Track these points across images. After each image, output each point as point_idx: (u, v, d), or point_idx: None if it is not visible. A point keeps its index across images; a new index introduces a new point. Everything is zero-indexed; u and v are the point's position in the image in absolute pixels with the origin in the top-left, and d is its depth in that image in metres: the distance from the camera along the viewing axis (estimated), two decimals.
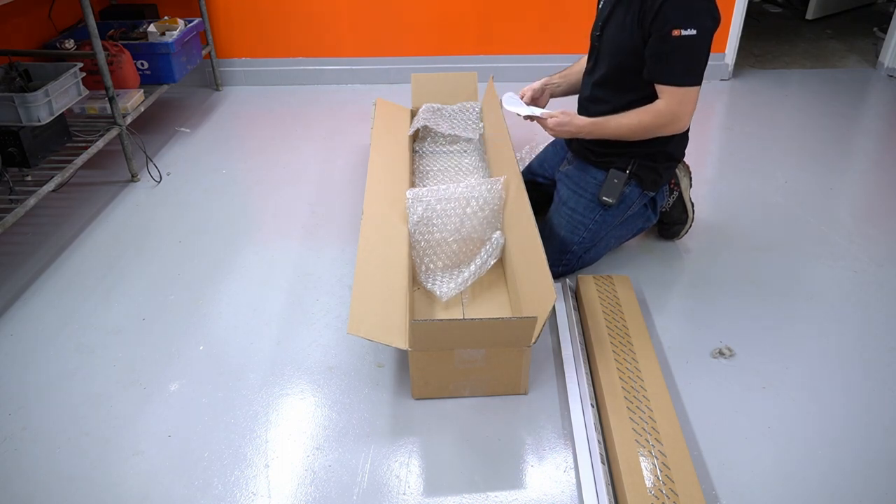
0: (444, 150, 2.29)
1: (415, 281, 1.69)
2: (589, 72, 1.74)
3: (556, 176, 1.88)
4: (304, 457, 1.31)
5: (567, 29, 3.04)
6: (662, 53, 1.51)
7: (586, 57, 1.78)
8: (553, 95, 1.90)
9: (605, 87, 1.67)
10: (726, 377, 1.48)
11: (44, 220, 2.08)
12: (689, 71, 1.52)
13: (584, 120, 1.64)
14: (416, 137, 2.35)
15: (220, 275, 1.83)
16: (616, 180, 1.68)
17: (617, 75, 1.63)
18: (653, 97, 1.57)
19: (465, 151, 2.28)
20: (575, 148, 1.80)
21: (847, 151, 2.51)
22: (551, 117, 1.65)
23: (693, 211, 1.90)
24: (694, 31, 1.46)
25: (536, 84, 1.87)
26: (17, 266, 1.87)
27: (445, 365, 1.36)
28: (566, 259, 1.76)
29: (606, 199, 1.68)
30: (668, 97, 1.54)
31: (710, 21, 1.49)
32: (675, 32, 1.47)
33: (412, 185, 2.02)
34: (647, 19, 1.50)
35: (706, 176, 2.31)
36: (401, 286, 1.50)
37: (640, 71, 1.57)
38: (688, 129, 1.69)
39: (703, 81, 1.57)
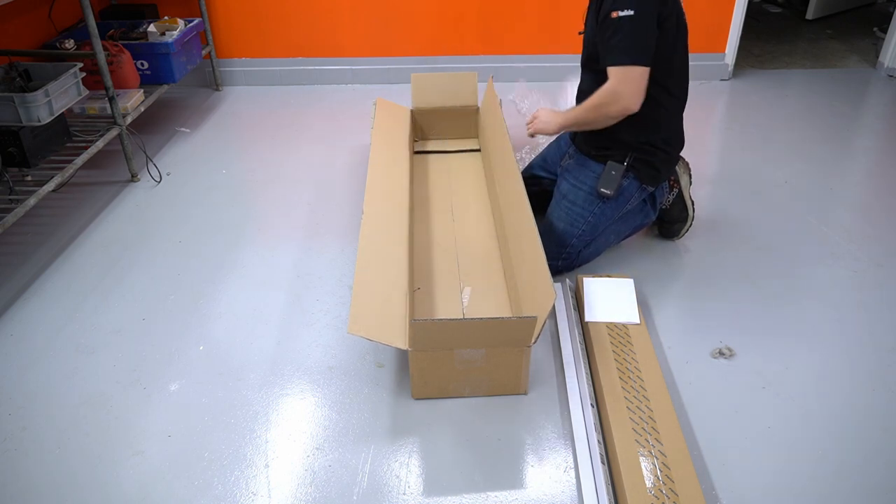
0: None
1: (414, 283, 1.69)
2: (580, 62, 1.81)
3: (557, 171, 1.89)
4: (304, 457, 1.31)
5: (567, 29, 3.03)
6: (605, 37, 1.55)
7: None
8: None
9: (584, 75, 1.75)
10: (726, 377, 1.48)
11: (44, 220, 2.08)
12: (627, 50, 1.52)
13: (561, 117, 1.74)
14: (416, 137, 2.35)
15: (220, 275, 1.83)
16: (614, 172, 1.70)
17: (589, 64, 1.70)
18: None
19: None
20: (577, 142, 1.84)
21: (847, 151, 2.51)
22: (535, 118, 1.78)
23: (693, 209, 1.90)
24: (632, 12, 1.49)
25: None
26: (17, 266, 1.87)
27: (445, 365, 1.36)
28: (566, 253, 1.76)
29: (604, 190, 1.70)
30: (611, 77, 1.56)
31: (649, 2, 1.50)
32: (614, 14, 1.51)
33: (412, 185, 2.02)
34: (599, 11, 1.56)
35: (706, 176, 2.31)
36: (401, 286, 1.50)
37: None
38: (679, 120, 1.73)
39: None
